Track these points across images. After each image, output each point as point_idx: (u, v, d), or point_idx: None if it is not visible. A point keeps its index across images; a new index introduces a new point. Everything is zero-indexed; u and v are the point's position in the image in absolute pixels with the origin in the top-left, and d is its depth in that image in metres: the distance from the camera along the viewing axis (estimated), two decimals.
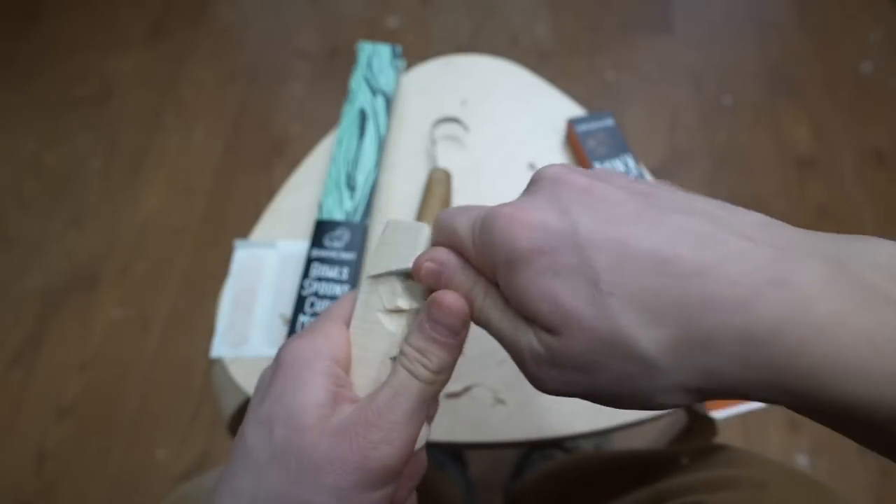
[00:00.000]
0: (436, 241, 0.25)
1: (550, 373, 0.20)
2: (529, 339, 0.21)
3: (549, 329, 0.20)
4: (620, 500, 0.43)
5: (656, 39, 1.32)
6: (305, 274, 0.45)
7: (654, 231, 0.19)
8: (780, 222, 0.19)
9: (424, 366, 0.23)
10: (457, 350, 0.24)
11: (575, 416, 0.42)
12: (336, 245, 0.47)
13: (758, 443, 0.87)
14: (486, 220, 0.22)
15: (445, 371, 0.24)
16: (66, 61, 1.32)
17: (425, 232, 0.26)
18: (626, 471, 0.48)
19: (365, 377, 0.26)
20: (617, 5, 1.38)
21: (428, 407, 0.24)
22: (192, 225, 1.10)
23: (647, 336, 0.18)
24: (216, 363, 0.46)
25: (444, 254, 0.24)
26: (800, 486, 0.34)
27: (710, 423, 0.45)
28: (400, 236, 0.26)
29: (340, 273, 0.45)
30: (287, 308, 0.46)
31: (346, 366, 0.26)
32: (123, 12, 1.41)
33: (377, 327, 0.26)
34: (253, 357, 0.44)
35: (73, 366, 0.97)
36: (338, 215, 0.48)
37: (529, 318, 0.21)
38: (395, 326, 0.26)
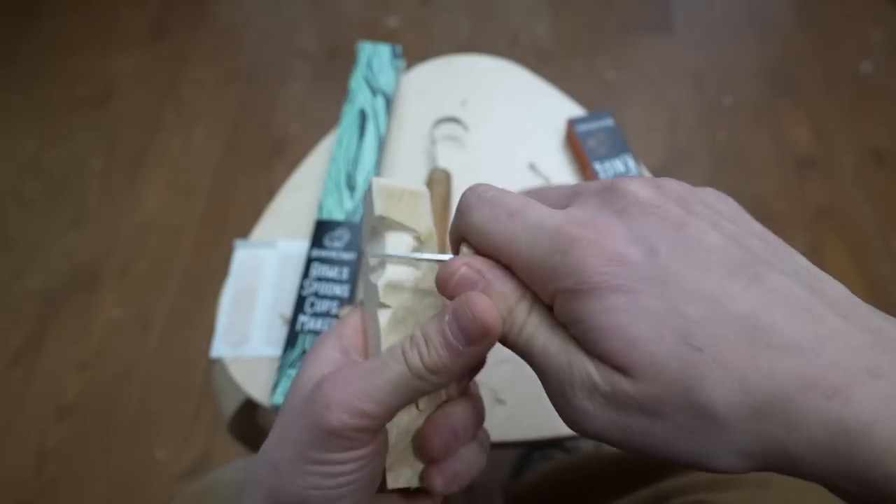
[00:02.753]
0: (463, 235, 0.23)
1: (603, 410, 0.19)
2: (587, 368, 0.19)
3: (619, 368, 0.18)
4: (621, 500, 0.43)
5: (656, 39, 1.32)
6: (305, 274, 0.45)
7: (751, 292, 0.17)
8: (857, 299, 0.18)
9: (421, 356, 0.21)
10: (463, 360, 0.21)
11: None
12: (336, 245, 0.47)
13: None
14: (559, 241, 0.19)
15: (441, 374, 0.21)
16: (66, 61, 1.32)
17: (376, 182, 0.26)
18: (627, 471, 0.48)
19: (372, 336, 0.26)
20: (617, 5, 1.38)
21: (411, 399, 0.22)
22: (192, 225, 1.10)
23: (729, 400, 0.17)
24: (216, 363, 0.46)
25: (482, 262, 0.21)
26: (803, 485, 0.34)
27: None
28: (367, 202, 0.27)
29: (340, 273, 0.45)
30: (287, 308, 0.46)
31: (357, 343, 0.26)
32: (123, 12, 1.41)
33: (370, 288, 0.26)
34: (253, 357, 0.44)
35: (73, 366, 0.97)
36: (338, 215, 0.48)
37: (590, 352, 0.19)
38: (376, 277, 0.25)
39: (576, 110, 0.57)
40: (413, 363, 0.21)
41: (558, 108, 0.57)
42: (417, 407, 0.25)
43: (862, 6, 1.36)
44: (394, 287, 0.25)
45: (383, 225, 0.26)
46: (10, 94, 1.28)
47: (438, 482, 0.24)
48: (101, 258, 1.07)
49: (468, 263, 0.21)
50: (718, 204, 0.21)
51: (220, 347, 0.45)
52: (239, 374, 0.44)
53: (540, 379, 0.21)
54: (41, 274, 1.06)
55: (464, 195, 0.23)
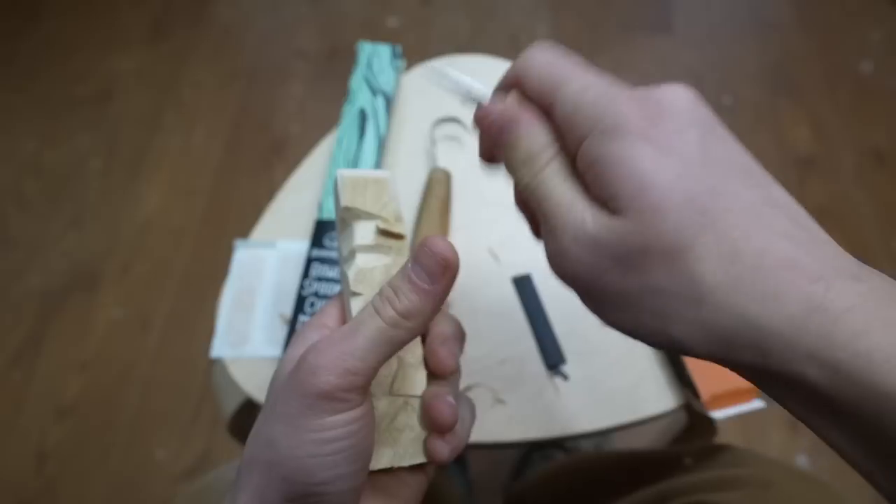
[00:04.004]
0: (515, 80, 0.23)
1: (584, 252, 0.20)
2: (583, 211, 0.20)
3: (617, 211, 0.19)
4: (622, 500, 0.43)
5: (656, 39, 1.32)
6: (305, 274, 0.45)
7: (758, 190, 0.19)
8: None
9: (392, 305, 0.22)
10: (431, 299, 0.23)
11: (575, 416, 0.42)
12: (336, 245, 0.47)
13: (758, 443, 0.87)
14: (611, 91, 0.20)
15: (414, 318, 0.22)
16: (66, 61, 1.32)
17: (339, 174, 0.27)
18: (628, 471, 0.48)
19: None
20: (617, 5, 1.38)
21: (389, 350, 0.23)
22: (192, 225, 1.10)
23: (713, 265, 0.17)
24: (216, 363, 0.46)
25: (518, 108, 0.23)
26: (804, 485, 0.34)
27: (710, 423, 0.45)
28: (335, 194, 0.28)
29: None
30: (287, 308, 0.46)
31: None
32: (123, 12, 1.41)
33: (344, 277, 0.27)
34: (253, 357, 0.44)
35: (73, 366, 0.97)
36: None
37: (598, 196, 0.20)
38: (348, 267, 0.26)
39: None
40: (386, 314, 0.22)
41: None
42: (391, 390, 0.26)
43: (862, 6, 1.36)
44: (364, 274, 0.26)
45: (350, 215, 0.26)
46: (10, 94, 1.28)
47: (445, 451, 0.26)
48: (100, 258, 1.07)
49: (504, 109, 0.23)
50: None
51: (220, 347, 0.45)
52: (239, 374, 0.44)
53: (541, 221, 0.22)
54: (41, 274, 1.06)
55: (528, 50, 0.23)
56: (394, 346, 0.23)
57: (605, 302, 0.20)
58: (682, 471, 0.41)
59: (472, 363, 0.43)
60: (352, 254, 0.26)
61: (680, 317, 0.18)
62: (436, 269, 0.22)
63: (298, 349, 0.25)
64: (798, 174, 1.13)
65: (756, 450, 0.42)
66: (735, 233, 0.18)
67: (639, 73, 1.27)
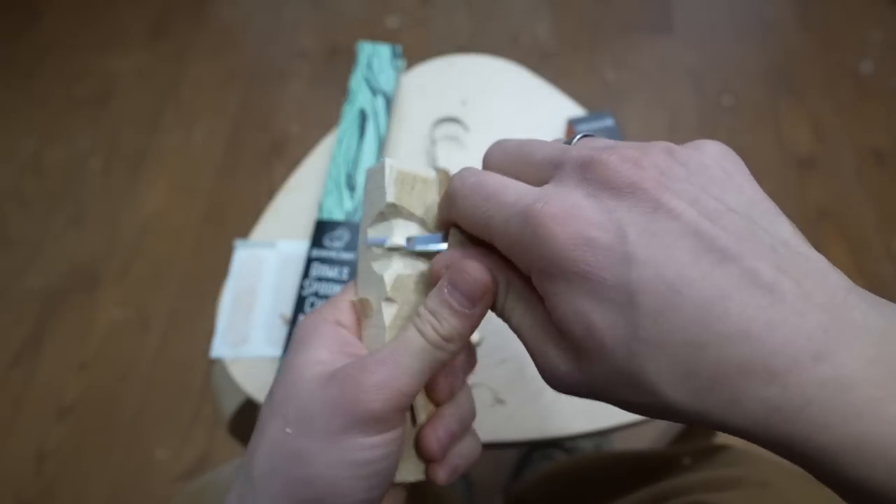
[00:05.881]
0: (454, 218, 0.24)
1: (564, 383, 0.21)
2: (548, 352, 0.21)
3: (574, 348, 0.19)
4: (621, 500, 0.43)
5: (656, 39, 1.32)
6: (305, 274, 0.45)
7: (711, 279, 0.17)
8: (834, 272, 0.18)
9: (435, 329, 0.22)
10: (471, 321, 0.23)
11: (575, 416, 0.42)
12: (336, 245, 0.47)
13: None
14: (529, 220, 0.19)
15: (456, 340, 0.23)
16: (66, 61, 1.32)
17: (389, 165, 0.25)
18: (628, 471, 0.48)
19: (370, 327, 0.26)
20: (617, 5, 1.38)
21: (434, 370, 0.23)
22: (192, 225, 1.10)
23: (671, 385, 0.18)
24: (216, 363, 0.46)
25: (458, 257, 0.23)
26: (801, 485, 0.34)
27: None
28: (374, 181, 0.26)
29: (340, 273, 0.45)
30: (287, 308, 0.46)
31: (354, 329, 0.26)
32: (123, 12, 1.41)
33: (372, 276, 0.25)
34: (253, 357, 0.44)
35: (73, 366, 0.97)
36: (338, 215, 0.48)
37: (559, 325, 0.20)
38: (381, 268, 0.25)
39: (576, 110, 0.57)
40: (431, 337, 0.22)
41: (558, 107, 0.57)
42: (413, 415, 0.26)
43: (862, 6, 1.36)
44: (402, 281, 0.25)
45: (392, 212, 0.25)
46: (10, 93, 1.28)
47: (442, 475, 0.26)
48: (101, 258, 1.07)
49: (448, 260, 0.23)
50: (709, 169, 0.20)
51: (220, 347, 0.45)
52: (239, 374, 0.44)
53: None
54: (41, 274, 1.06)
55: (451, 180, 0.24)
56: (437, 367, 0.23)
57: (605, 401, 0.21)
58: (681, 471, 0.41)
59: None
60: (387, 254, 0.25)
61: (666, 415, 0.19)
62: (476, 294, 0.22)
63: (316, 351, 0.24)
64: (798, 174, 1.13)
65: (755, 450, 0.42)
66: (684, 351, 0.17)
67: (639, 73, 1.27)
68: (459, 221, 0.23)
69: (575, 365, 0.20)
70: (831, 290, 0.17)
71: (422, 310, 0.23)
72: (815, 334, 0.16)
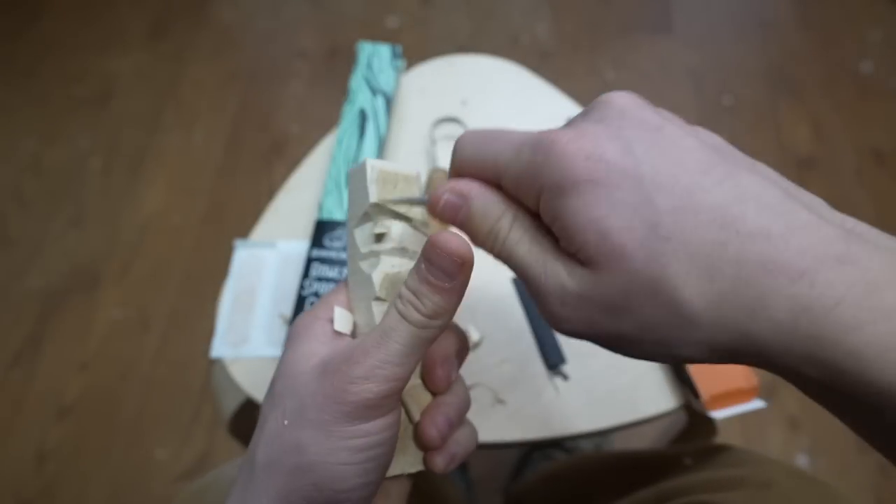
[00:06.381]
0: (457, 169, 0.24)
1: (574, 312, 0.20)
2: (559, 273, 0.20)
3: (588, 262, 0.19)
4: (621, 500, 0.43)
5: (656, 39, 1.32)
6: (305, 274, 0.45)
7: (723, 186, 0.18)
8: (835, 210, 0.19)
9: (417, 309, 0.22)
10: (453, 295, 0.22)
11: (575, 416, 0.42)
12: (336, 245, 0.47)
13: (758, 443, 0.87)
14: (541, 144, 0.20)
15: (441, 316, 0.22)
16: (66, 61, 1.32)
17: (370, 165, 0.25)
18: (628, 471, 0.48)
19: (362, 327, 0.26)
20: (617, 5, 1.37)
21: (423, 349, 0.23)
22: (192, 225, 1.10)
23: (694, 288, 0.17)
24: (216, 363, 0.46)
25: (465, 185, 0.23)
26: (804, 485, 0.34)
27: (710, 423, 0.45)
28: (357, 181, 0.26)
29: (340, 273, 0.45)
30: (287, 308, 0.46)
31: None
32: (123, 12, 1.41)
33: (361, 276, 0.26)
34: (253, 357, 0.44)
35: (73, 366, 0.97)
36: (338, 215, 0.48)
37: (568, 250, 0.20)
38: (370, 268, 0.25)
39: (576, 110, 0.57)
40: (414, 318, 0.22)
41: (558, 107, 0.57)
42: (408, 412, 0.26)
43: (862, 6, 1.36)
44: (390, 280, 0.25)
45: (376, 212, 0.25)
46: (9, 93, 1.28)
47: (440, 463, 0.26)
48: (101, 258, 1.07)
49: (450, 188, 0.23)
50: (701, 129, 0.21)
51: (220, 347, 0.45)
52: (239, 374, 0.44)
53: (525, 285, 0.22)
54: (41, 274, 1.06)
55: (456, 140, 0.24)
56: (427, 346, 0.23)
57: (610, 344, 0.21)
58: (682, 471, 0.41)
59: (472, 363, 0.43)
60: (374, 254, 0.25)
61: (681, 341, 0.18)
62: (452, 268, 0.22)
63: (307, 345, 0.24)
64: (798, 174, 1.13)
65: (756, 450, 0.42)
66: (706, 248, 0.17)
67: (639, 73, 1.27)
68: (465, 166, 0.23)
69: (589, 282, 0.19)
70: (839, 216, 0.18)
71: (403, 290, 0.23)
72: (835, 241, 0.16)
